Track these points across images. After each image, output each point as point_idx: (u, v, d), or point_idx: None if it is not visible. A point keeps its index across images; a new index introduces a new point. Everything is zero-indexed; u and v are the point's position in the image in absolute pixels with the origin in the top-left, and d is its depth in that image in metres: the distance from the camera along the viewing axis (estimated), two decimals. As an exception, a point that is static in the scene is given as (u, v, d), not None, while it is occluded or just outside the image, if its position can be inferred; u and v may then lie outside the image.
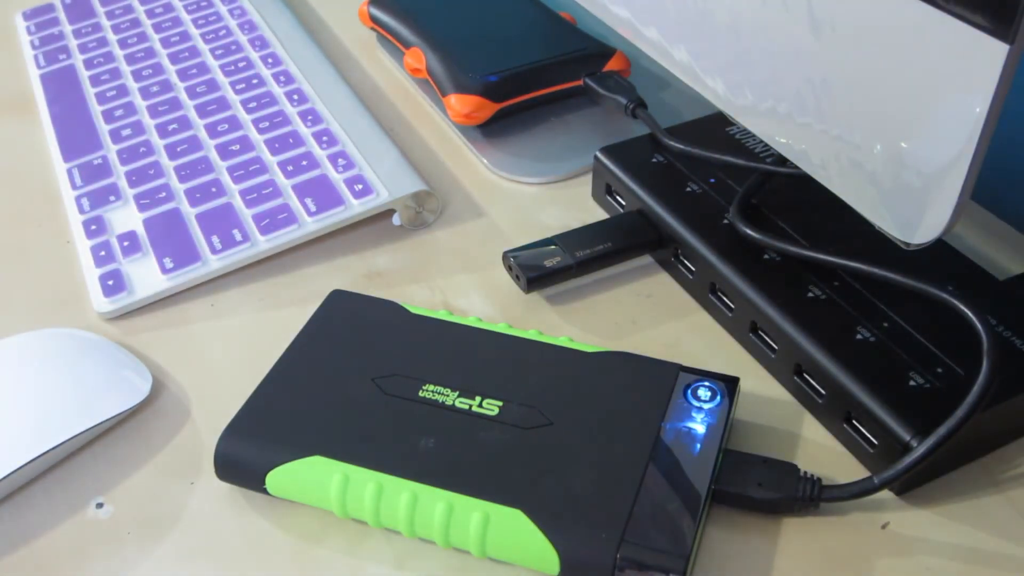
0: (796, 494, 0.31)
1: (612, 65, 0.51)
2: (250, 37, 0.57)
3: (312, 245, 0.45)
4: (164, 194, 0.46)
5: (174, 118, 0.51)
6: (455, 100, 0.49)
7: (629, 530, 0.29)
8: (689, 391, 0.33)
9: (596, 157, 0.45)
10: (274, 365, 0.35)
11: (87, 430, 0.34)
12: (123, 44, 0.58)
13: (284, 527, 0.33)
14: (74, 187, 0.47)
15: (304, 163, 0.47)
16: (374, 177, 0.45)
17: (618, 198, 0.44)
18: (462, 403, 0.33)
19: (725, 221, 0.40)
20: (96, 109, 0.52)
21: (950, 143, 0.28)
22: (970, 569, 0.31)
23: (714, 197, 0.41)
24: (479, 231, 0.45)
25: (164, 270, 0.42)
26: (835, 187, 0.34)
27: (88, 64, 0.56)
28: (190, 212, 0.45)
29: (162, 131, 0.50)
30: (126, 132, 0.50)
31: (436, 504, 0.30)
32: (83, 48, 0.58)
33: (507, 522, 0.30)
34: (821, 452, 0.34)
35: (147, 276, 0.42)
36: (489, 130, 0.51)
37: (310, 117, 0.50)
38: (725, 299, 0.39)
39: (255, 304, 0.42)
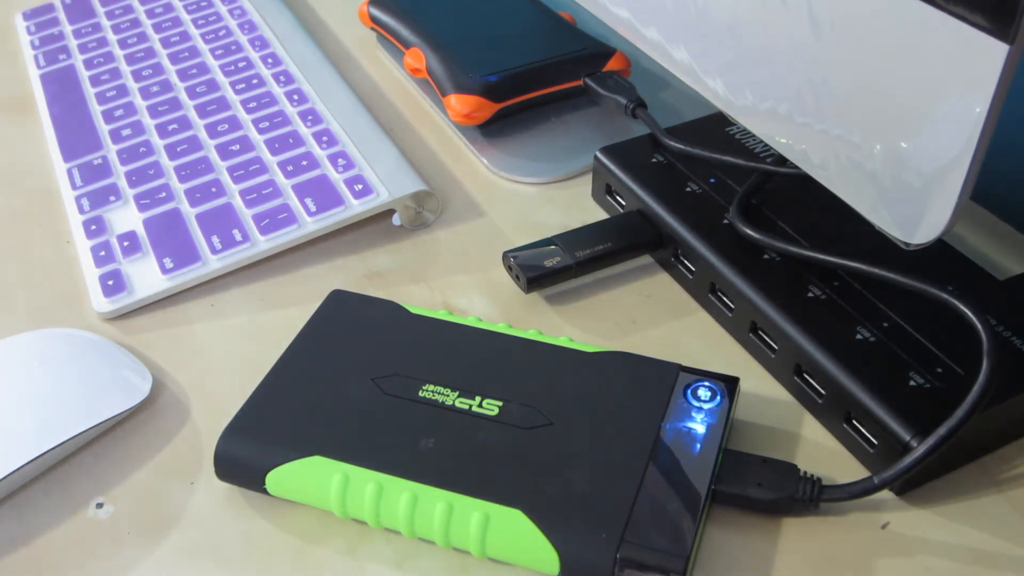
0: (796, 494, 0.31)
1: (612, 65, 0.51)
2: (250, 37, 0.57)
3: (312, 245, 0.45)
4: (164, 194, 0.46)
5: (174, 118, 0.51)
6: (455, 100, 0.49)
7: (629, 530, 0.29)
8: (689, 391, 0.33)
9: (596, 157, 0.45)
10: (274, 365, 0.35)
11: (87, 430, 0.34)
12: (123, 44, 0.58)
13: (284, 527, 0.33)
14: (74, 187, 0.47)
15: (304, 163, 0.47)
16: (374, 177, 0.45)
17: (618, 198, 0.44)
18: (462, 403, 0.33)
19: (725, 221, 0.40)
20: (96, 109, 0.52)
21: (950, 143, 0.28)
22: (970, 569, 0.31)
23: (714, 197, 0.41)
24: (479, 231, 0.45)
25: (164, 270, 0.42)
26: (835, 187, 0.34)
27: (88, 64, 0.56)
28: (190, 212, 0.45)
29: (162, 131, 0.50)
30: (126, 132, 0.50)
31: (436, 504, 0.30)
32: (83, 48, 0.58)
33: (507, 522, 0.30)
34: (821, 452, 0.34)
35: (147, 276, 0.42)
36: (489, 130, 0.51)
37: (310, 117, 0.50)
38: (725, 299, 0.39)
39: (255, 304, 0.42)
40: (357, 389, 0.34)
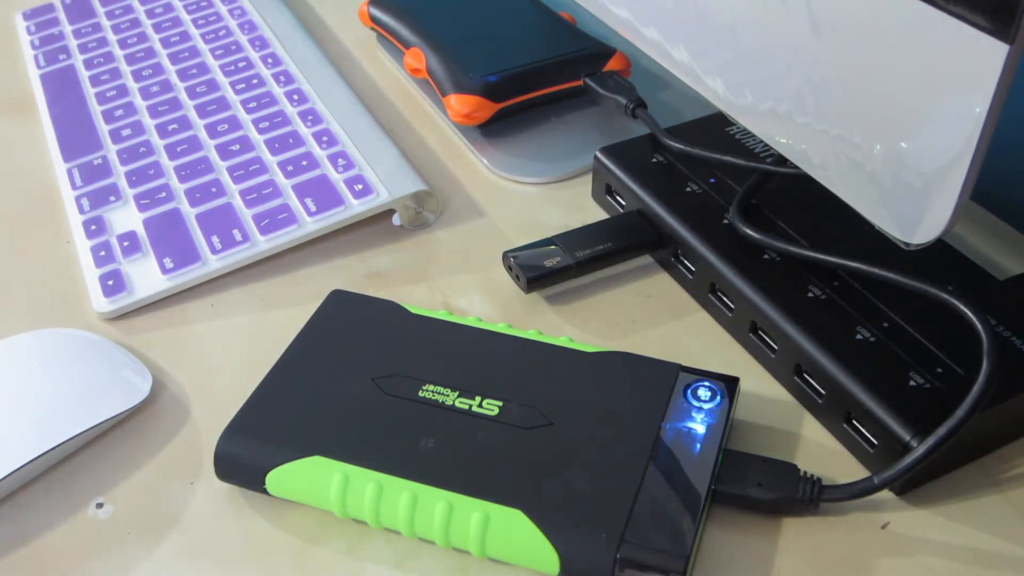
0: (796, 494, 0.31)
1: (612, 65, 0.51)
2: (250, 37, 0.57)
3: (312, 245, 0.45)
4: (164, 194, 0.46)
5: (174, 118, 0.51)
6: (455, 100, 0.49)
7: (629, 530, 0.29)
8: (689, 391, 0.33)
9: (596, 157, 0.45)
10: (274, 365, 0.35)
11: (87, 430, 0.34)
12: (123, 44, 0.58)
13: (284, 527, 0.33)
14: (74, 187, 0.47)
15: (304, 163, 0.47)
16: (374, 177, 0.45)
17: (618, 198, 0.44)
18: (462, 403, 0.33)
19: (725, 221, 0.40)
20: (96, 109, 0.52)
21: (950, 143, 0.28)
22: (970, 569, 0.31)
23: (714, 197, 0.41)
24: (479, 231, 0.45)
25: (164, 270, 0.42)
26: (835, 187, 0.34)
27: (88, 64, 0.56)
28: (190, 212, 0.45)
29: (162, 131, 0.50)
30: (126, 132, 0.50)
31: (436, 504, 0.30)
32: (83, 48, 0.58)
33: (507, 522, 0.30)
34: (821, 452, 0.34)
35: (147, 276, 0.42)
36: (489, 130, 0.51)
37: (310, 117, 0.50)
38: (725, 299, 0.39)
39: (255, 304, 0.42)
40: (357, 389, 0.34)
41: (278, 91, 0.52)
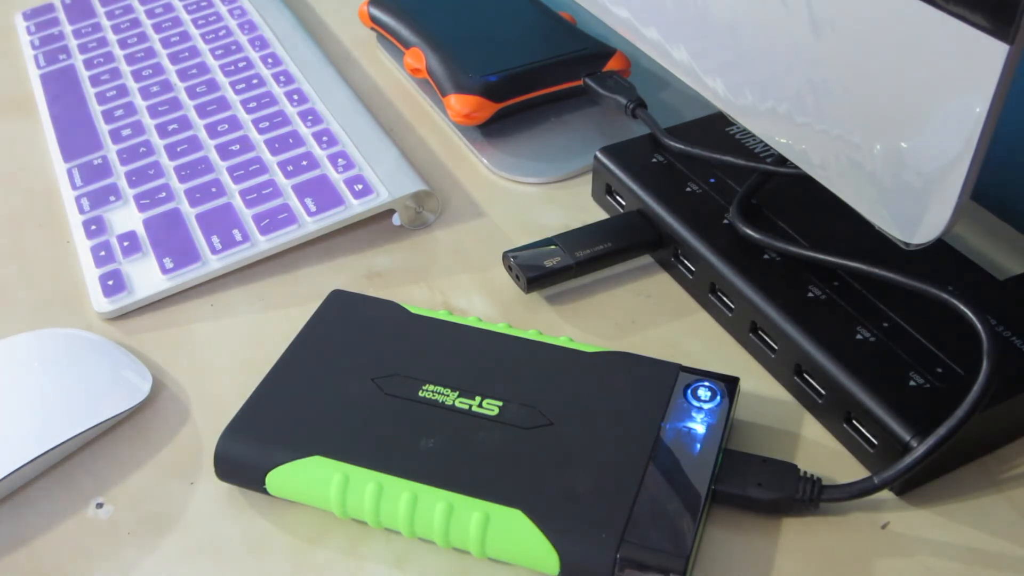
0: (796, 494, 0.31)
1: (612, 65, 0.51)
2: (250, 37, 0.57)
3: (312, 245, 0.45)
4: (164, 194, 0.46)
5: (174, 118, 0.51)
6: (455, 100, 0.49)
7: (629, 530, 0.29)
8: (689, 391, 0.33)
9: (596, 157, 0.45)
10: (274, 365, 0.35)
11: (87, 430, 0.34)
12: (123, 44, 0.58)
13: (284, 527, 0.33)
14: (74, 187, 0.47)
15: (304, 163, 0.47)
16: (374, 177, 0.45)
17: (618, 198, 0.44)
18: (462, 403, 0.33)
19: (725, 221, 0.40)
20: (96, 109, 0.52)
21: (950, 143, 0.28)
22: (970, 569, 0.31)
23: (714, 197, 0.41)
24: (479, 231, 0.45)
25: (164, 270, 0.42)
26: (835, 187, 0.34)
27: (88, 64, 0.56)
28: (190, 212, 0.45)
29: (162, 131, 0.50)
30: (126, 132, 0.50)
31: (436, 504, 0.30)
32: (83, 48, 0.58)
33: (507, 522, 0.30)
34: (821, 452, 0.34)
35: (147, 276, 0.42)
36: (489, 130, 0.51)
37: (310, 117, 0.50)
38: (725, 299, 0.39)
39: (255, 304, 0.42)
40: (357, 389, 0.34)
41: (278, 91, 0.52)
